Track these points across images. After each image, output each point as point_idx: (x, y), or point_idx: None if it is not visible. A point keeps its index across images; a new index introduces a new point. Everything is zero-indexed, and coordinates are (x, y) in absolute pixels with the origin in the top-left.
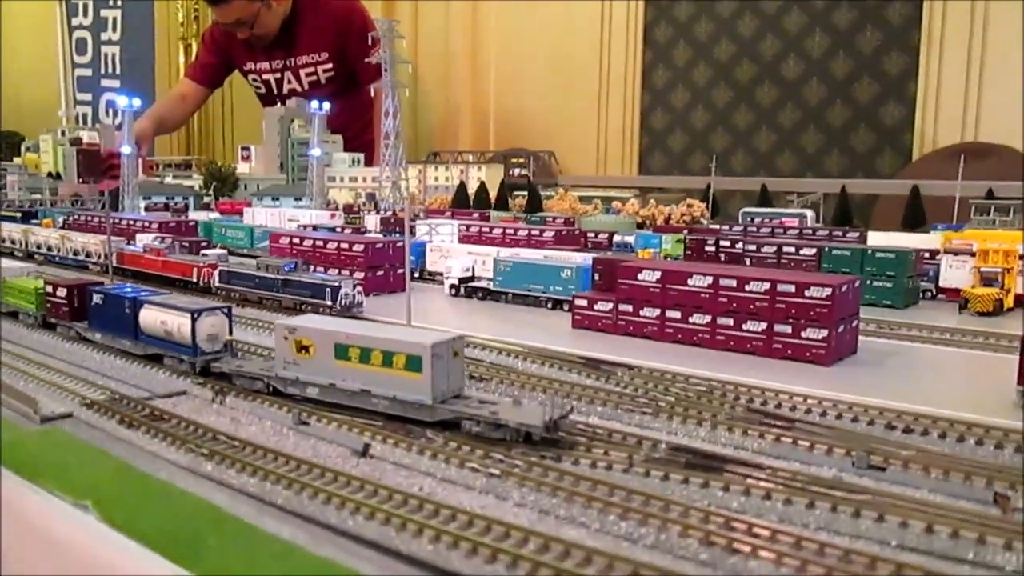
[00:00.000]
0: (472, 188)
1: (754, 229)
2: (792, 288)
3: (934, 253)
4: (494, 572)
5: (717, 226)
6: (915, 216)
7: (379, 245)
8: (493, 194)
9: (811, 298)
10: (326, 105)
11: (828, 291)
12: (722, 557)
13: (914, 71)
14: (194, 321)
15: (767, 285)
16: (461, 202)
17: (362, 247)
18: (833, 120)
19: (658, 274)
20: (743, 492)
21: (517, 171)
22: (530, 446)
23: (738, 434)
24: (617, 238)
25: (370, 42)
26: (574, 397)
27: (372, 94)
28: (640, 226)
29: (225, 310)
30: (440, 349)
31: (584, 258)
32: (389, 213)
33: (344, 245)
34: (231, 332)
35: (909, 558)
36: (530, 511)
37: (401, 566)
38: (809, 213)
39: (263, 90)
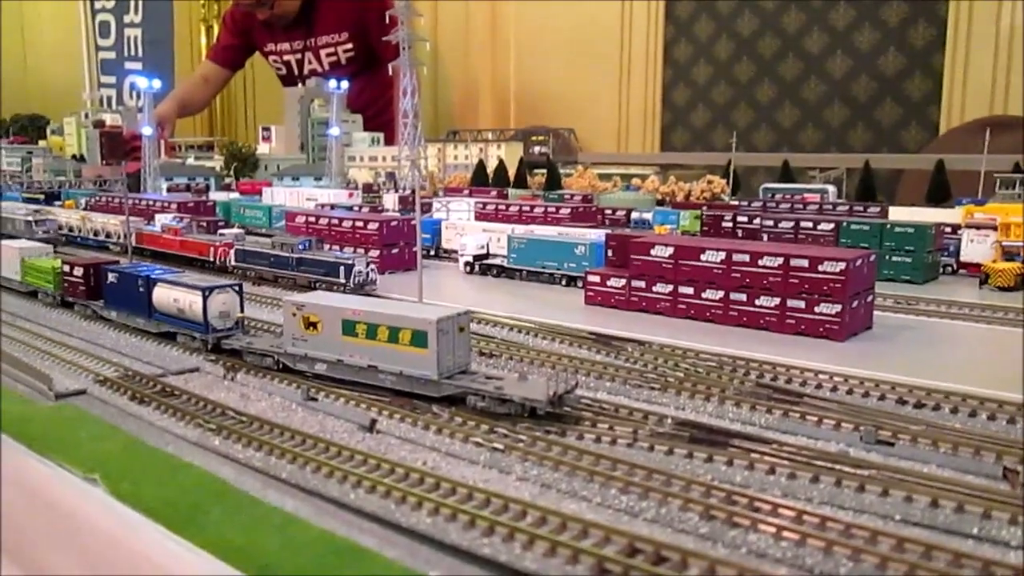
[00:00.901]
0: (491, 166)
1: (773, 205)
2: (806, 263)
3: (956, 228)
4: (491, 544)
5: (737, 202)
6: (940, 191)
7: (394, 223)
8: (512, 172)
9: (825, 273)
10: (344, 84)
11: (842, 266)
12: (722, 531)
13: (941, 43)
14: (205, 299)
15: (780, 260)
16: (480, 180)
17: (376, 225)
18: (858, 94)
19: (671, 249)
20: (747, 466)
21: (537, 149)
22: (535, 421)
23: (746, 409)
24: (635, 215)
25: (388, 21)
26: (583, 373)
27: (391, 73)
28: (660, 203)
29: (236, 288)
30: (445, 324)
31: (598, 235)
32: (408, 192)
33: (359, 224)
34: (242, 309)
35: (913, 532)
36: (532, 485)
37: (400, 538)
38: (831, 188)
39: (284, 71)
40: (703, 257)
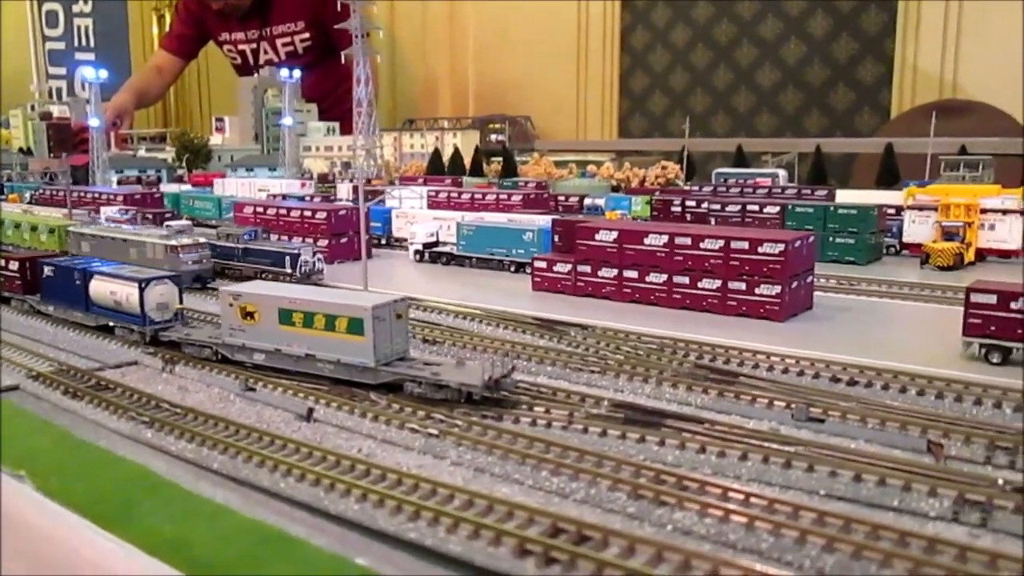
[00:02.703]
0: (447, 155)
1: (724, 189)
2: (746, 245)
3: (899, 209)
4: (416, 528)
5: (691, 187)
6: (889, 173)
7: (342, 212)
8: (468, 160)
9: (764, 254)
10: (297, 73)
11: (781, 247)
12: (649, 509)
13: (892, 29)
14: (142, 291)
15: (721, 243)
16: (436, 168)
17: (324, 215)
18: (812, 79)
19: (615, 234)
20: (678, 446)
21: (494, 137)
22: (472, 406)
23: (682, 390)
24: (588, 201)
25: (340, 9)
26: (524, 358)
27: (343, 61)
28: (616, 189)
29: (175, 279)
30: (381, 311)
31: (546, 221)
32: (363, 181)
33: (307, 213)
34: (181, 300)
35: (836, 506)
36: (466, 469)
37: (331, 526)
38: (781, 172)
39: (239, 61)
40: (646, 241)
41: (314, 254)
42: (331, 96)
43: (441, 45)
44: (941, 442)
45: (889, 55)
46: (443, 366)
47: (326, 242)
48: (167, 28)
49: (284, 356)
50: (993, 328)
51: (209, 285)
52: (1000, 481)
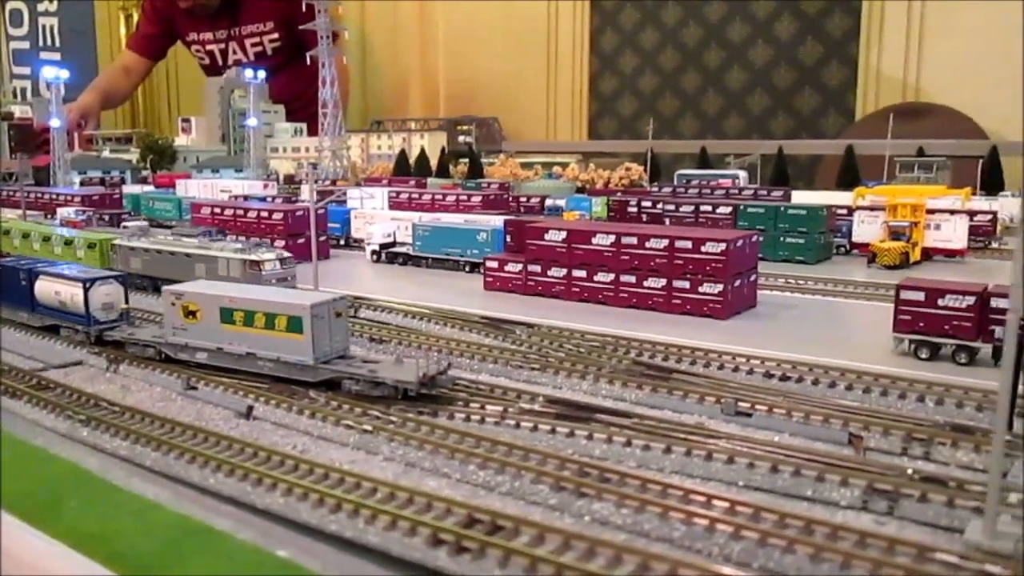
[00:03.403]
0: (414, 156)
1: (683, 191)
2: (689, 244)
3: (851, 210)
4: (337, 520)
5: (653, 188)
6: (849, 175)
7: (299, 213)
8: (434, 161)
9: (707, 253)
10: (261, 74)
11: (723, 246)
12: (570, 501)
13: (856, 32)
14: (86, 291)
15: (666, 242)
16: (402, 170)
17: (281, 215)
18: (778, 82)
19: (564, 234)
20: (606, 440)
21: (462, 138)
22: (409, 403)
23: (618, 386)
24: (549, 202)
25: (305, 9)
26: (468, 356)
27: (308, 62)
28: (581, 190)
29: (121, 279)
30: (320, 310)
31: (500, 221)
32: (328, 182)
33: (264, 214)
34: (127, 300)
35: (751, 496)
36: (397, 464)
37: (256, 519)
38: (742, 174)
39: (207, 61)
40: (594, 241)
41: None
42: (301, 97)
43: (412, 46)
44: (861, 435)
45: (854, 58)
46: (381, 364)
47: (283, 243)
48: (134, 28)
49: (226, 355)
50: (922, 324)
51: None
52: (909, 471)
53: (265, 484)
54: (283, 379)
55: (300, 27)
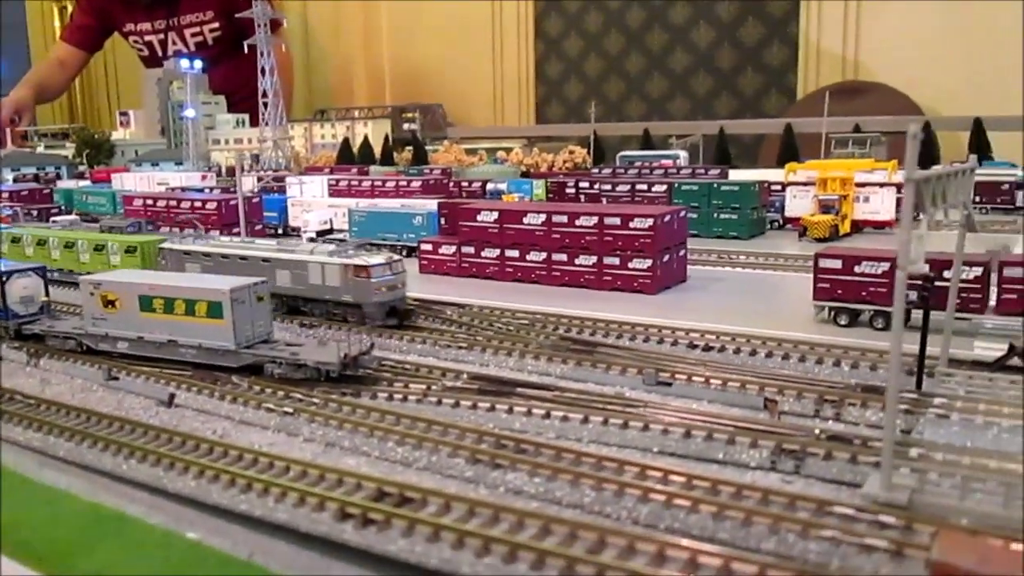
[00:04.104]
0: (357, 144)
1: (623, 171)
2: (618, 221)
3: (785, 185)
4: (247, 500)
5: (595, 170)
6: (789, 153)
7: (233, 203)
8: (378, 149)
9: (635, 230)
10: (198, 64)
11: (651, 222)
12: (484, 472)
13: (796, 12)
14: (2, 284)
15: (595, 219)
16: (346, 158)
17: (215, 205)
18: (721, 63)
19: (495, 214)
20: (525, 413)
21: (407, 125)
22: (333, 384)
23: (543, 361)
24: (490, 186)
25: None
26: (397, 337)
27: (245, 51)
28: (525, 174)
29: (40, 271)
30: (240, 294)
31: (435, 204)
32: (270, 173)
33: (198, 204)
34: (47, 293)
35: (665, 461)
36: (316, 445)
37: (169, 503)
38: (682, 154)
39: (146, 52)
40: (525, 220)
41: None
42: (244, 88)
43: (355, 33)
44: (776, 399)
45: (794, 38)
46: (304, 347)
47: (217, 233)
48: (69, 19)
49: (147, 343)
50: (840, 292)
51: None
52: (816, 431)
53: (177, 468)
54: (206, 365)
55: (236, 15)
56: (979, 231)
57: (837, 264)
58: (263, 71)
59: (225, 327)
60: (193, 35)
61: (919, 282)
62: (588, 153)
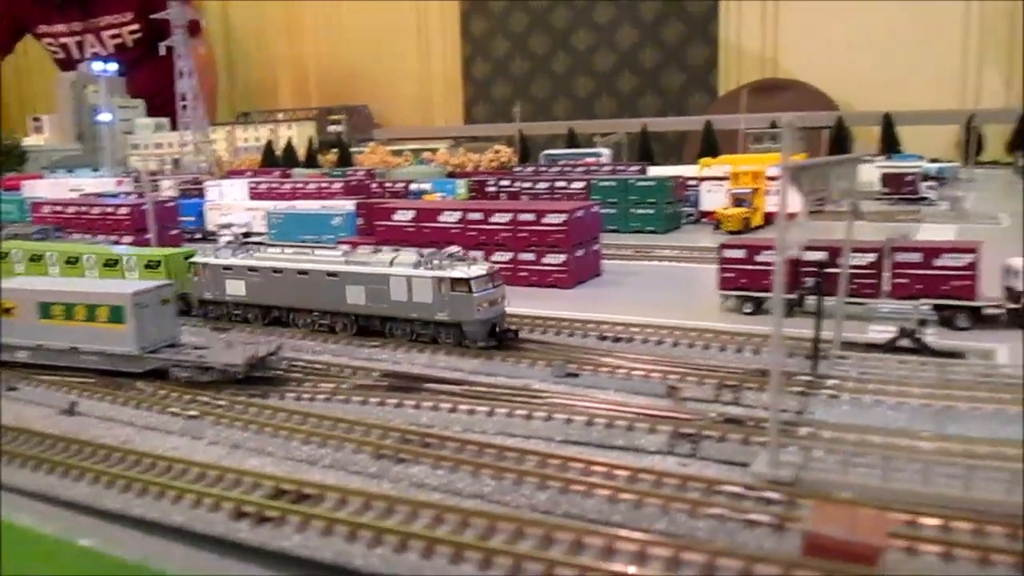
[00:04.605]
0: (280, 147)
1: (544, 169)
2: (532, 217)
3: (702, 180)
4: (143, 504)
5: (518, 169)
6: (710, 149)
7: (144, 207)
8: (302, 151)
9: (549, 225)
10: (112, 66)
11: (564, 217)
12: (388, 467)
13: (716, 12)
14: None
15: (510, 216)
16: (270, 161)
17: (127, 211)
18: (645, 62)
19: (412, 213)
20: (433, 408)
21: (333, 128)
22: (241, 386)
23: (455, 356)
24: (414, 186)
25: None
26: (311, 338)
27: (162, 53)
28: (452, 175)
29: None
30: (144, 298)
31: (353, 205)
32: (191, 177)
33: (109, 210)
34: None
35: (568, 450)
36: (221, 447)
37: (62, 511)
38: (605, 152)
39: (62, 55)
40: (441, 219)
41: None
42: (167, 91)
43: (279, 35)
44: (678, 385)
45: (715, 38)
46: (211, 349)
47: (130, 239)
48: None
49: (48, 351)
50: (744, 281)
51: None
52: (712, 415)
53: (72, 475)
54: (109, 372)
55: (151, 16)
56: (866, 219)
57: (741, 254)
58: (180, 73)
59: (127, 332)
60: (112, 37)
61: (815, 269)
62: (514, 152)
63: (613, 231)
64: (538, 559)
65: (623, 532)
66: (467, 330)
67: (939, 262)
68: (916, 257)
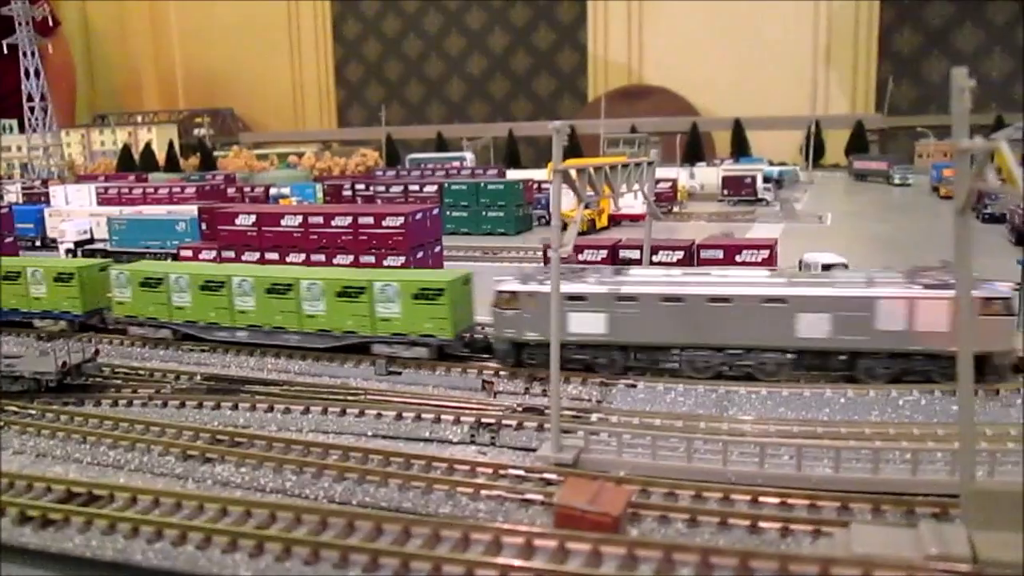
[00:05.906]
0: (138, 151)
1: (407, 173)
2: (371, 220)
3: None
4: None
5: (379, 172)
6: (574, 153)
7: None
8: (162, 155)
9: (388, 227)
10: None
11: (402, 220)
12: (195, 467)
13: (584, 19)
14: None
15: (350, 219)
16: (127, 166)
17: None
18: (517, 68)
19: (253, 217)
20: (250, 408)
21: (196, 131)
22: (55, 394)
23: (283, 359)
24: (273, 190)
25: None
26: (139, 345)
27: (4, 51)
28: (317, 179)
29: None
30: None
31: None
32: (37, 182)
33: None
34: None
35: (379, 443)
36: (26, 457)
37: None
38: (469, 155)
39: None
40: (283, 223)
41: None
42: (17, 92)
43: (143, 35)
44: (492, 380)
45: (584, 45)
46: (22, 358)
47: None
48: None
49: None
50: None
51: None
52: (516, 404)
53: None
54: None
55: None
56: (661, 219)
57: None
58: (27, 73)
59: None
60: None
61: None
62: (380, 156)
63: (466, 233)
64: (306, 543)
65: (415, 518)
66: (997, 362)
67: (740, 257)
68: (719, 254)
